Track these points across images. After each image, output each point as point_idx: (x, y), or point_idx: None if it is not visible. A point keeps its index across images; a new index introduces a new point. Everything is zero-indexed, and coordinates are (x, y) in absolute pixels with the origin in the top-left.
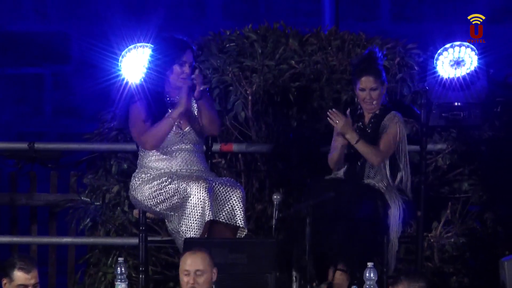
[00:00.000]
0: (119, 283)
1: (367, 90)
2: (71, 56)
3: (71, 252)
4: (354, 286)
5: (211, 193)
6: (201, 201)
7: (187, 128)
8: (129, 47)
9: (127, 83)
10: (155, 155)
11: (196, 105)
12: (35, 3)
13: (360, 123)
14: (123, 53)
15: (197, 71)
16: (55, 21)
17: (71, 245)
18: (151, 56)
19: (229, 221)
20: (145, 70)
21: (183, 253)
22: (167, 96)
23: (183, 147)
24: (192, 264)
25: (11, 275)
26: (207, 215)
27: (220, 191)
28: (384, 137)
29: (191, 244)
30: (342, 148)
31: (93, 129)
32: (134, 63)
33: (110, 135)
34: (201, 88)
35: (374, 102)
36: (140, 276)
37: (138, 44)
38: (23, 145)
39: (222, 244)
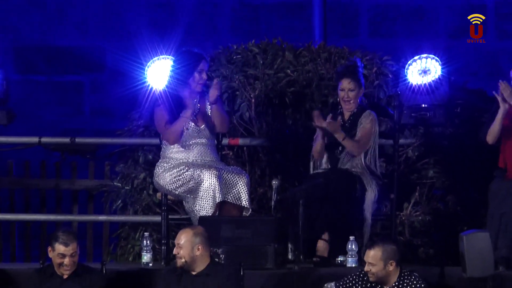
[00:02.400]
0: (145, 253)
1: (346, 91)
2: (105, 66)
3: (105, 228)
4: (340, 257)
5: (221, 179)
6: (212, 186)
7: (202, 126)
8: (153, 58)
9: (151, 89)
10: (175, 148)
11: (210, 108)
12: (76, 22)
13: (341, 120)
14: (148, 63)
15: (216, 80)
16: (92, 37)
17: (106, 222)
18: (173, 66)
19: (236, 202)
20: (167, 79)
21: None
22: (185, 99)
23: (199, 141)
24: (177, 239)
25: (54, 246)
26: (217, 197)
27: (228, 177)
28: (363, 132)
29: (205, 221)
30: (322, 140)
31: (123, 126)
32: (158, 72)
33: (138, 131)
34: (217, 94)
35: (352, 101)
36: (162, 247)
37: (161, 56)
38: (66, 140)
39: (230, 221)
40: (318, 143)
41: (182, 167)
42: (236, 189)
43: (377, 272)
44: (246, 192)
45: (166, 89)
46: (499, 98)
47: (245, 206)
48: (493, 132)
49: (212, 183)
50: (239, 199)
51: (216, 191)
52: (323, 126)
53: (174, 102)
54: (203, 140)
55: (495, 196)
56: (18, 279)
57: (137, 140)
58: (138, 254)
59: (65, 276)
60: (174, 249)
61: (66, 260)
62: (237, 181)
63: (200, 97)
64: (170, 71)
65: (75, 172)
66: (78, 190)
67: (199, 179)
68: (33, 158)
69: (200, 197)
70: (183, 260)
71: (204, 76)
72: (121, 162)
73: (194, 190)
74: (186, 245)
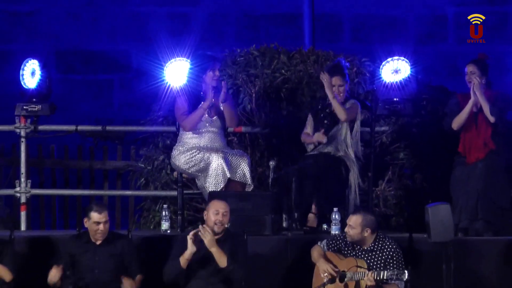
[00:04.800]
0: (164, 222)
1: (336, 86)
2: (131, 67)
3: (131, 201)
4: (325, 224)
5: (227, 160)
6: (220, 166)
7: (214, 117)
8: (171, 60)
9: (169, 85)
10: (190, 134)
11: (222, 105)
12: (107, 30)
13: (328, 110)
14: (166, 64)
15: (223, 82)
16: (120, 42)
17: (131, 197)
18: (191, 67)
19: (241, 179)
20: (187, 76)
21: (209, 201)
22: (202, 92)
23: (210, 129)
24: (221, 207)
25: (89, 215)
26: (226, 175)
27: (233, 159)
28: (350, 106)
29: (213, 196)
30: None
31: (146, 117)
32: (174, 71)
33: (158, 120)
34: (224, 91)
35: (341, 95)
36: (178, 217)
37: (177, 58)
38: (99, 128)
39: (234, 195)
40: (305, 138)
41: (194, 150)
42: (240, 169)
43: (354, 235)
44: (249, 171)
45: (186, 85)
46: (471, 92)
47: (248, 183)
48: (459, 120)
49: (220, 163)
50: (244, 177)
51: (225, 170)
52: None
53: (193, 95)
54: (214, 129)
55: (457, 180)
56: (58, 244)
57: (157, 128)
58: (158, 223)
59: (98, 242)
60: (214, 216)
61: (101, 226)
62: (240, 162)
63: (215, 94)
64: (189, 71)
65: (106, 155)
66: (109, 169)
67: (208, 160)
68: (71, 143)
69: (209, 175)
70: (225, 226)
71: (217, 73)
72: (144, 146)
73: (204, 170)
74: (228, 214)
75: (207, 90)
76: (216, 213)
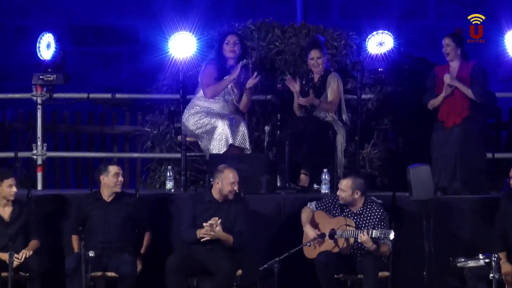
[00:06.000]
0: (168, 182)
1: (315, 59)
2: (138, 40)
3: (138, 162)
4: (315, 184)
5: (232, 127)
6: (224, 131)
7: (235, 91)
8: (174, 34)
9: (173, 57)
10: (202, 98)
11: (246, 90)
12: (116, 6)
13: (311, 83)
14: (170, 38)
15: (245, 62)
16: (128, 17)
17: (138, 159)
18: (214, 45)
19: (240, 145)
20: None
21: (215, 167)
22: (227, 64)
23: (226, 98)
24: (235, 177)
25: (107, 169)
26: (229, 140)
27: (234, 125)
28: (332, 93)
29: (214, 158)
30: (297, 100)
31: (152, 85)
32: (177, 44)
33: (163, 89)
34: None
35: (320, 66)
36: (182, 177)
37: (180, 32)
38: (108, 95)
39: (233, 158)
40: (295, 103)
41: (202, 114)
42: (240, 134)
43: (346, 197)
44: (247, 136)
45: (215, 58)
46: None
47: (247, 148)
48: (434, 104)
49: (225, 129)
50: (243, 142)
51: (229, 137)
52: (296, 90)
53: (222, 67)
54: (229, 99)
55: (436, 143)
56: (72, 201)
57: (162, 96)
58: (163, 183)
59: (109, 199)
60: (231, 186)
61: (120, 177)
62: (239, 127)
63: (243, 71)
64: (214, 49)
65: (115, 120)
66: (117, 134)
67: (214, 124)
68: (83, 110)
69: (214, 139)
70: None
71: (232, 46)
72: (150, 113)
73: (210, 133)
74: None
75: (235, 65)
76: (232, 183)
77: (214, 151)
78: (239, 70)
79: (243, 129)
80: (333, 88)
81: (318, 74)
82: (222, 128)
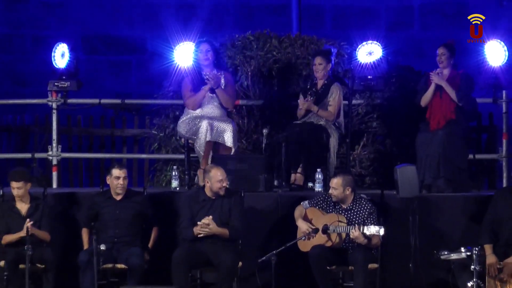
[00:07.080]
0: (174, 181)
1: (317, 65)
2: (146, 50)
3: (146, 163)
4: (310, 183)
5: (212, 126)
6: (203, 129)
7: (214, 95)
8: (179, 44)
9: (178, 66)
10: None
11: (216, 91)
12: (126, 18)
13: (314, 89)
14: (175, 47)
15: (213, 72)
16: (137, 28)
17: (146, 159)
18: (195, 50)
19: (224, 142)
20: (193, 60)
21: (207, 167)
22: (204, 73)
23: (211, 103)
24: (222, 175)
25: (110, 172)
26: (206, 138)
27: (219, 125)
28: (334, 103)
29: (216, 159)
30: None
31: (159, 91)
32: (182, 53)
33: (168, 95)
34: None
35: (319, 72)
36: (186, 177)
37: (184, 43)
38: (118, 101)
39: (233, 158)
40: (299, 111)
41: (190, 118)
42: (226, 134)
43: (338, 195)
44: (231, 136)
45: (192, 66)
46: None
47: (230, 145)
48: (425, 99)
49: (205, 128)
50: (228, 140)
51: (207, 134)
52: (305, 108)
53: (199, 77)
54: (215, 103)
55: (421, 144)
56: (84, 199)
57: (168, 101)
58: (168, 181)
59: (118, 198)
60: (219, 183)
61: (120, 181)
62: (226, 127)
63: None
64: (194, 53)
65: (124, 124)
66: (127, 136)
67: (198, 125)
68: (95, 114)
69: (198, 138)
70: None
71: (205, 54)
72: (157, 117)
73: (195, 133)
74: (226, 178)
75: (206, 72)
76: (219, 181)
77: (201, 149)
78: (213, 78)
79: (229, 129)
80: (335, 98)
81: (320, 80)
82: (203, 128)
